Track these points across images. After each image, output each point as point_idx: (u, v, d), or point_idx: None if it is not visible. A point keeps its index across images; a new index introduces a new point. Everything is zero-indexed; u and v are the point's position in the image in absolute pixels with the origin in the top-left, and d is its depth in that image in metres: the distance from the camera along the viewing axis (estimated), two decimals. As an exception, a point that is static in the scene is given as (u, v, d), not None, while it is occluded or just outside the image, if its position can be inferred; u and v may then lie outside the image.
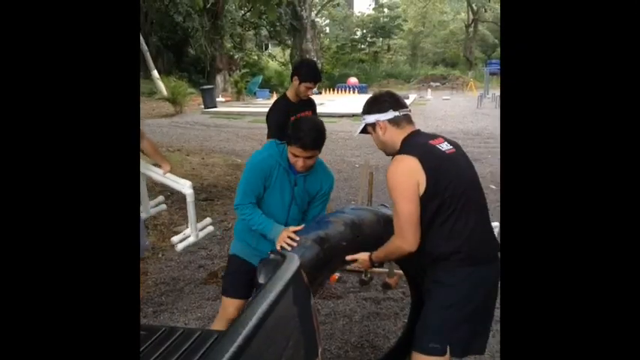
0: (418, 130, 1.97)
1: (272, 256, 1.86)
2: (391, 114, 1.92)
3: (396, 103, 1.96)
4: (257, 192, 2.20)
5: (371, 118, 1.96)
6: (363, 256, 2.06)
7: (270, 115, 3.28)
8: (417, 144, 1.88)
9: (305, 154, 2.07)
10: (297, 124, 2.10)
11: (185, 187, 3.68)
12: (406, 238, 1.80)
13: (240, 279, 2.31)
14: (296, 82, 3.19)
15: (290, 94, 3.30)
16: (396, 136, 1.92)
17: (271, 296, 1.25)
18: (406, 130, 1.93)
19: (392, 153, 1.93)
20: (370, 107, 1.98)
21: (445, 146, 1.90)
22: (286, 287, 1.37)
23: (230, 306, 2.33)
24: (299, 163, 2.10)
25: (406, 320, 2.70)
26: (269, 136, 3.19)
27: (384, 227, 2.09)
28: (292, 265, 1.55)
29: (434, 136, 1.95)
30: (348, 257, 2.11)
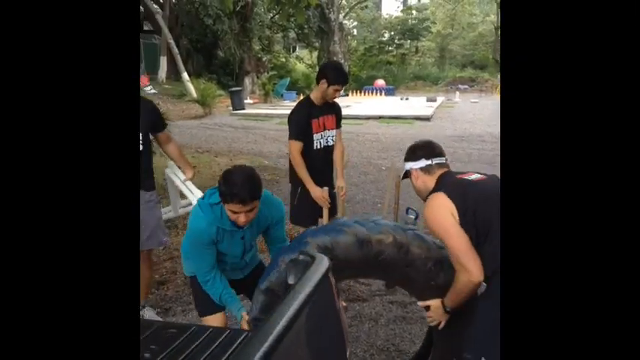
0: (449, 171, 2.03)
1: (301, 257, 1.87)
2: (423, 162, 2.02)
3: (430, 152, 2.04)
4: (211, 257, 2.11)
5: (407, 166, 2.08)
6: (435, 302, 2.00)
7: (292, 117, 3.25)
8: (445, 182, 1.95)
9: (245, 208, 1.92)
10: (228, 180, 1.91)
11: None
12: (469, 270, 1.78)
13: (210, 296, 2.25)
14: (324, 85, 3.12)
15: (314, 96, 3.24)
16: (428, 182, 2.00)
17: (301, 297, 1.25)
18: (438, 174, 2.00)
19: (425, 198, 1.98)
20: (407, 155, 2.10)
21: (474, 176, 1.94)
22: (315, 289, 1.37)
23: (212, 322, 2.29)
24: (241, 219, 1.95)
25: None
26: (290, 137, 3.20)
27: (362, 249, 2.05)
28: (321, 266, 1.55)
29: (463, 173, 2.01)
30: (420, 304, 2.08)
